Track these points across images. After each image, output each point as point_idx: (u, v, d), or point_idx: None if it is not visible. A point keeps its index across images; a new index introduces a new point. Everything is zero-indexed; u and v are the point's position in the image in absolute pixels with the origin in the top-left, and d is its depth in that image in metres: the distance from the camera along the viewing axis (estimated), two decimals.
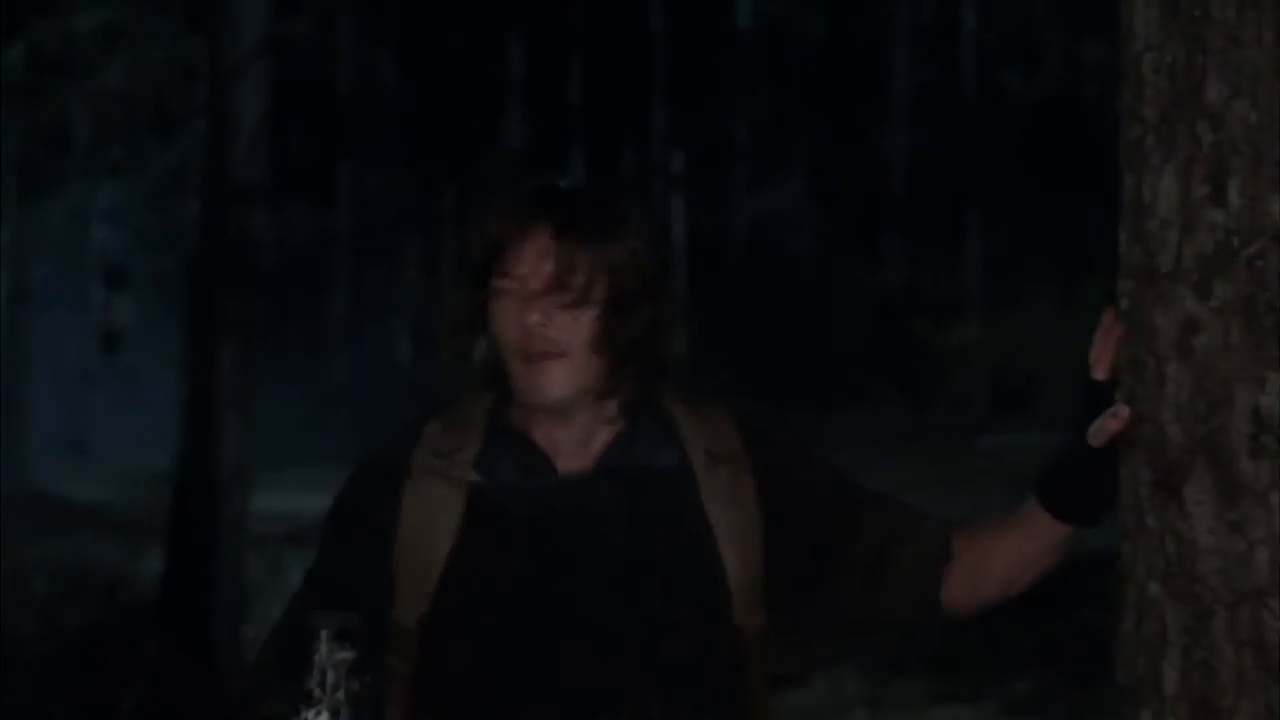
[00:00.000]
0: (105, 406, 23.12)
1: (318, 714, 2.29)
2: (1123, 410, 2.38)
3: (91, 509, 16.27)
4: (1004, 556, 2.56)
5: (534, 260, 2.44)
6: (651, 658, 2.44)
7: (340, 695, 2.30)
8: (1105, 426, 2.39)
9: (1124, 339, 2.40)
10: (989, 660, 7.78)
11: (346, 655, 2.30)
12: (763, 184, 26.55)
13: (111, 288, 23.53)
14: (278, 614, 2.64)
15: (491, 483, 2.48)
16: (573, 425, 2.48)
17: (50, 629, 10.08)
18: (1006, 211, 25.51)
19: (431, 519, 2.47)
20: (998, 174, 25.58)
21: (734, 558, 2.48)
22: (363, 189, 26.98)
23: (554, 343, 2.44)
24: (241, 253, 10.15)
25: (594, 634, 2.43)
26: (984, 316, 24.67)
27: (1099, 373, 2.43)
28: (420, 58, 25.43)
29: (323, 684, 2.30)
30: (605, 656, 2.43)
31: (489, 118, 26.07)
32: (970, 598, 2.58)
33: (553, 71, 26.53)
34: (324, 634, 2.31)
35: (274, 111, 10.93)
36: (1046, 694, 9.29)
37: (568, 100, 26.95)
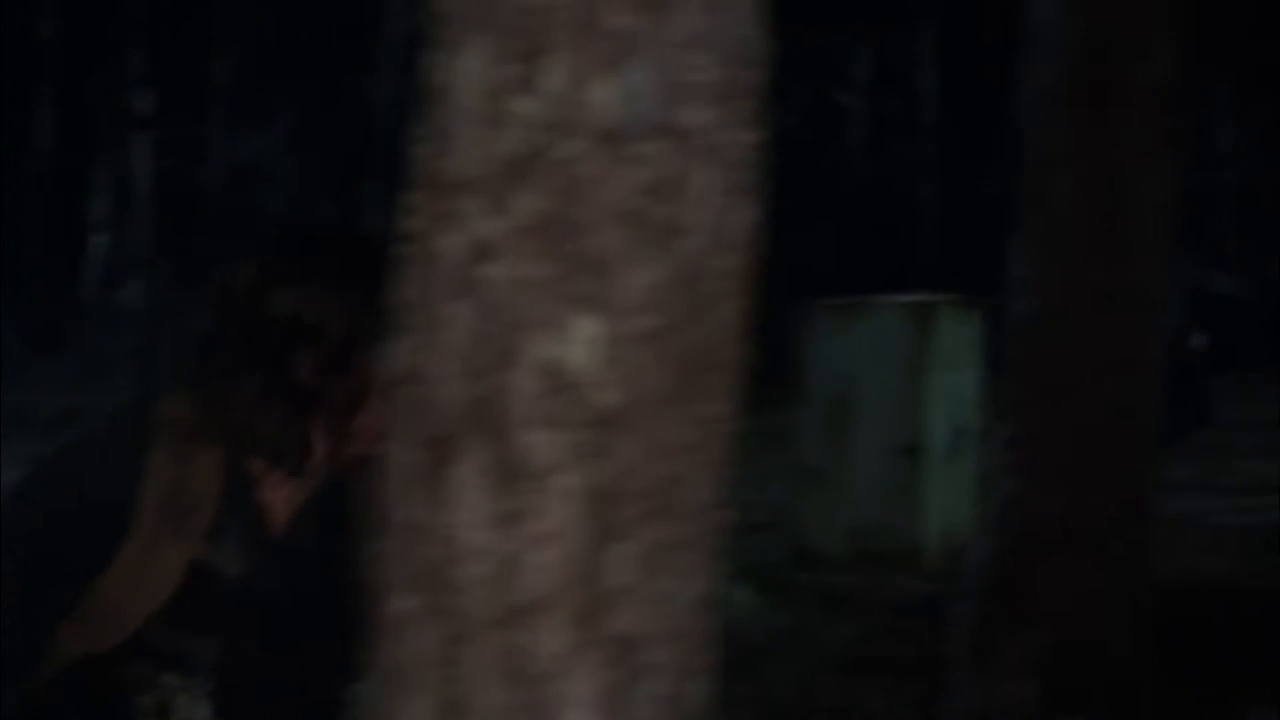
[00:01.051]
0: None
1: None
2: None
3: None
4: None
5: None
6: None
7: None
8: None
9: (411, 271, 1.79)
10: None
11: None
12: (242, 132, 25.59)
13: None
14: None
15: (215, 560, 2.33)
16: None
17: None
18: None
19: (148, 585, 2.30)
20: None
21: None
22: None
23: None
24: None
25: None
26: None
27: None
28: None
29: None
30: None
31: None
32: None
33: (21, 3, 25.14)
34: (184, 698, 2.26)
35: None
36: None
37: (37, 36, 25.59)
